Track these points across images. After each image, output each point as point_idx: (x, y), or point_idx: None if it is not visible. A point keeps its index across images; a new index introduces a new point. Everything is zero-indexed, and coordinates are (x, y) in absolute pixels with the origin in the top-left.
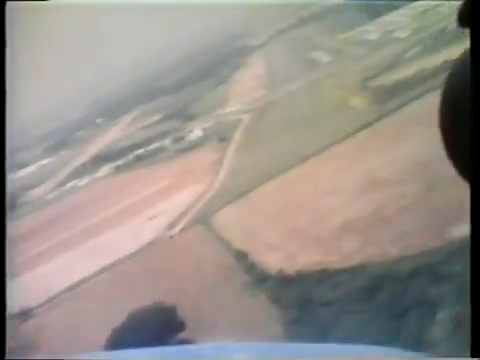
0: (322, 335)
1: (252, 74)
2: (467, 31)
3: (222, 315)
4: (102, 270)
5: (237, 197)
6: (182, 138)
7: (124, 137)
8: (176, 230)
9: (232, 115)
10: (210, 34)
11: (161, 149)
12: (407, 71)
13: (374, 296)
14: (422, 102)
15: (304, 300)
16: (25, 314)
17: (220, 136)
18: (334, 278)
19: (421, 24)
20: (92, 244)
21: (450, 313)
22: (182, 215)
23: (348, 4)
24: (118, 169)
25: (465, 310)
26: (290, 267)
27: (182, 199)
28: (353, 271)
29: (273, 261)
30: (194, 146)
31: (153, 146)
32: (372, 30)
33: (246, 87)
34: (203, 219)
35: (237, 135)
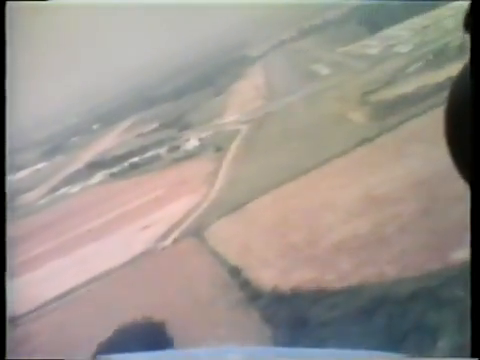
0: None
1: (251, 85)
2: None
3: (212, 333)
4: (91, 281)
5: (232, 210)
6: (178, 147)
7: (120, 144)
8: (168, 242)
9: (230, 125)
10: (210, 43)
11: (156, 158)
12: (408, 87)
13: (371, 319)
14: (423, 119)
15: (299, 320)
16: (10, 323)
17: (217, 146)
18: (330, 298)
19: (423, 39)
20: (82, 253)
21: (451, 341)
22: (175, 226)
23: (349, 17)
24: (112, 176)
25: (467, 339)
26: (285, 285)
27: (176, 210)
28: (350, 291)
29: (267, 278)
30: (190, 156)
31: (148, 154)
32: (373, 44)
33: (245, 98)
34: (197, 231)
35: (234, 146)
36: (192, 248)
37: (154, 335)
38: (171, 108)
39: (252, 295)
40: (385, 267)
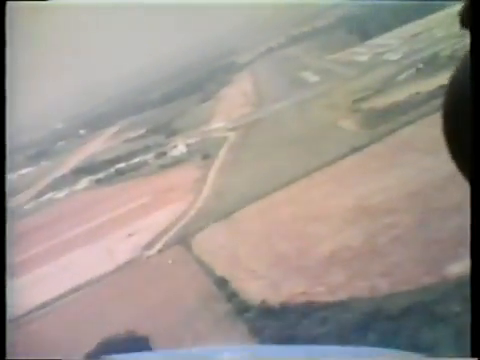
0: None
1: (239, 91)
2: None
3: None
4: (73, 290)
5: (219, 218)
6: (165, 154)
7: (106, 150)
8: (154, 250)
9: (217, 132)
10: (198, 50)
11: (143, 164)
12: (400, 95)
13: (364, 335)
14: (415, 127)
15: (288, 335)
16: None
17: (204, 153)
18: (320, 312)
19: (412, 47)
20: (65, 261)
21: None
22: (161, 235)
23: (338, 25)
24: (98, 182)
25: (465, 356)
26: (273, 298)
27: (162, 217)
28: (341, 305)
29: (256, 290)
30: (177, 162)
31: (135, 160)
32: (362, 51)
33: (232, 104)
34: (183, 240)
35: (222, 153)
36: (178, 258)
37: (137, 350)
38: (158, 114)
39: (239, 308)
40: (377, 280)
